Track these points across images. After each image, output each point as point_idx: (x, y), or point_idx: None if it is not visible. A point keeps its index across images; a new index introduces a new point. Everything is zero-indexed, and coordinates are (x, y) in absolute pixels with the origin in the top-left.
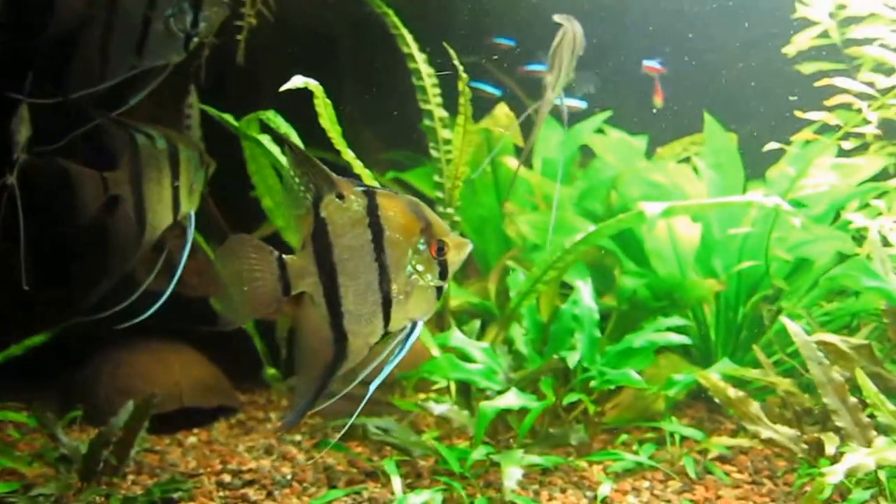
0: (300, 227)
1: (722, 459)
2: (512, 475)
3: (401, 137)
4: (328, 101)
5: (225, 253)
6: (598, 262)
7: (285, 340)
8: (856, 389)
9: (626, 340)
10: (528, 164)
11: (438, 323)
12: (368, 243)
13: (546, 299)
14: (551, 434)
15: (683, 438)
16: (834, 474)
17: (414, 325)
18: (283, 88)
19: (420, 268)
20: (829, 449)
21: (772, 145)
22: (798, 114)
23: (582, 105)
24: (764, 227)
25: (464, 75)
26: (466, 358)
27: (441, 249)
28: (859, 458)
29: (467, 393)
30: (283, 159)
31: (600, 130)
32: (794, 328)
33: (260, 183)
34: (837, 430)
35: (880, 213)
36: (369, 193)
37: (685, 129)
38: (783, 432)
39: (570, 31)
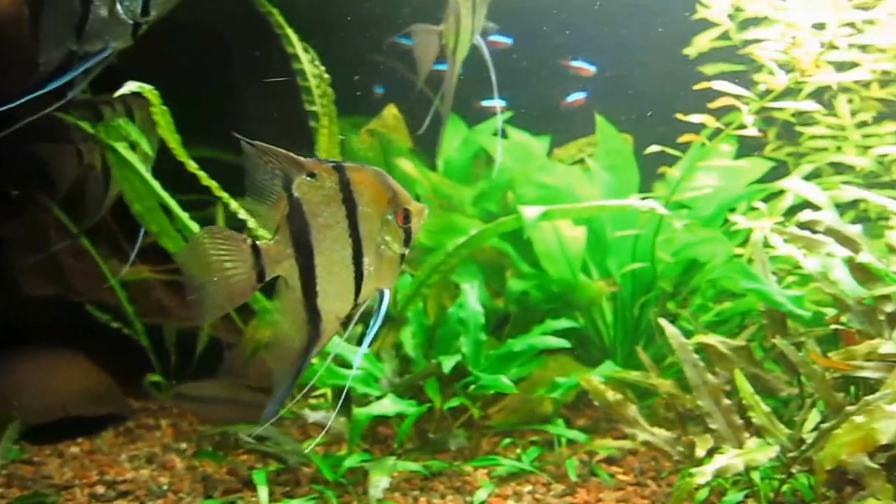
0: (272, 215)
1: (611, 461)
2: (378, 483)
3: (301, 137)
4: (165, 108)
5: (195, 245)
6: (495, 263)
7: (175, 346)
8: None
9: (508, 344)
10: (432, 165)
11: None
12: (343, 219)
13: (433, 302)
14: (431, 440)
15: (571, 441)
16: (702, 475)
17: (381, 294)
18: (117, 94)
19: (388, 238)
20: (699, 451)
21: (653, 148)
22: (680, 116)
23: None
24: (652, 229)
25: (325, 76)
26: (346, 364)
27: (407, 217)
28: (727, 459)
29: (347, 399)
30: (141, 167)
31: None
32: (671, 330)
33: (128, 190)
34: (712, 432)
35: (763, 216)
36: (339, 168)
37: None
38: (660, 435)
39: None
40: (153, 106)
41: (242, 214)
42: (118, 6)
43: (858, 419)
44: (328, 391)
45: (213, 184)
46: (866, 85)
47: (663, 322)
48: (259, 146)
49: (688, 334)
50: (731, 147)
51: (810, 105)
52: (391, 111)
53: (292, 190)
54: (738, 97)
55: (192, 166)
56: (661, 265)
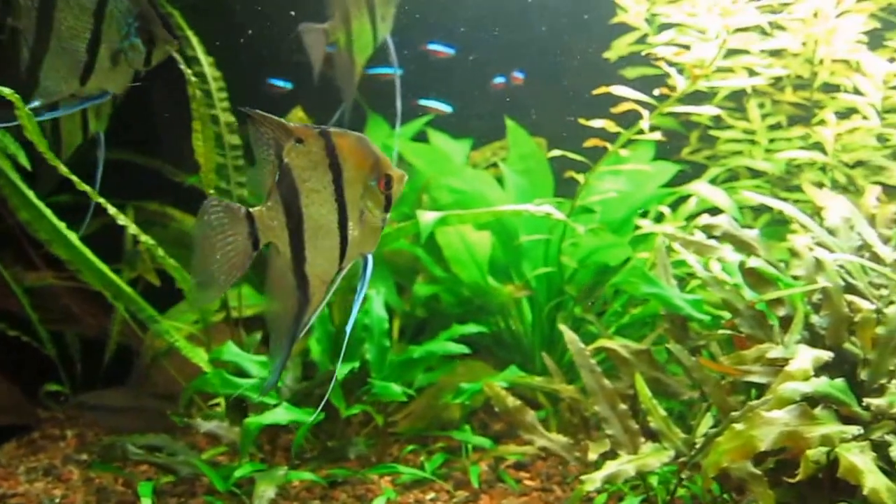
0: (264, 182)
1: (520, 466)
2: (263, 494)
3: None
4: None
5: (199, 220)
6: (411, 267)
7: (79, 353)
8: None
9: (408, 351)
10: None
11: (230, 333)
12: (330, 184)
13: (339, 308)
14: (330, 448)
15: (478, 447)
16: (592, 482)
17: (366, 259)
18: None
19: (370, 203)
20: (591, 456)
21: (554, 153)
22: (582, 121)
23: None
24: (557, 234)
25: (193, 79)
26: (241, 373)
27: (388, 183)
28: (618, 465)
29: (243, 408)
30: (14, 176)
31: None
32: (569, 336)
33: (12, 196)
34: (609, 437)
35: (667, 220)
36: (325, 134)
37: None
38: (557, 440)
39: None
40: (18, 110)
41: (122, 220)
42: (124, 56)
43: (739, 427)
44: (222, 400)
45: (87, 188)
46: (782, 88)
47: (562, 328)
48: (255, 114)
49: (595, 339)
50: (648, 150)
51: (710, 110)
52: (297, 113)
53: (282, 156)
54: (639, 102)
55: (64, 170)
56: (568, 270)
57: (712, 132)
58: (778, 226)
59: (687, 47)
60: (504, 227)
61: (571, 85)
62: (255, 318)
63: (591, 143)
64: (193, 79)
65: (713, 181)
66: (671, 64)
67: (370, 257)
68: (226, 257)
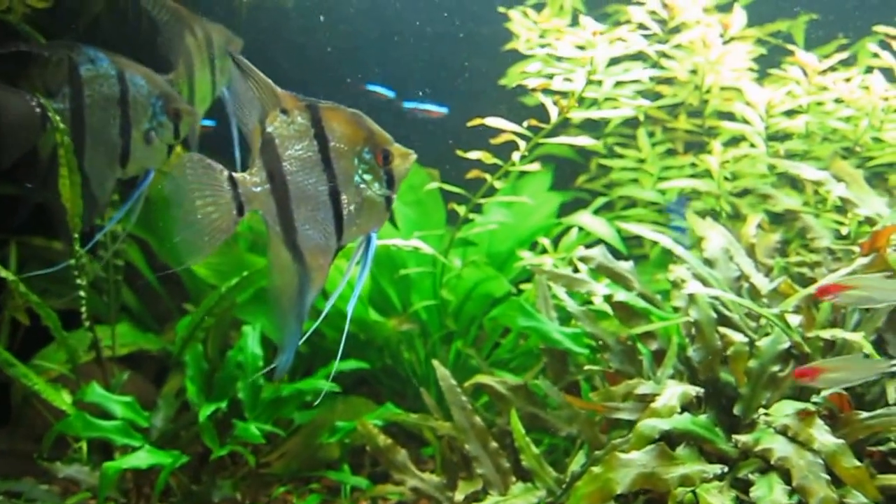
0: (253, 143)
1: None
2: None
3: None
4: None
5: (177, 176)
6: None
7: None
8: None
9: (278, 389)
10: None
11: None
12: (315, 154)
13: (214, 344)
14: (194, 492)
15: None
16: None
17: (368, 239)
18: None
19: (367, 177)
20: (458, 496)
21: (433, 185)
22: (460, 153)
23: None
24: (437, 269)
25: (61, 125)
26: (107, 414)
27: (386, 158)
28: None
29: (108, 451)
30: None
31: None
32: (441, 372)
33: None
34: (481, 476)
35: (547, 251)
36: (312, 107)
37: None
38: (429, 480)
39: (199, 32)
40: None
41: None
42: (153, 134)
43: (596, 469)
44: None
45: None
46: (676, 116)
47: (435, 363)
48: (246, 67)
49: (477, 372)
50: (544, 180)
51: (584, 140)
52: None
53: (265, 123)
54: (516, 133)
55: None
56: (453, 303)
57: (604, 161)
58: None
59: (550, 77)
60: (392, 260)
61: (466, 112)
62: (130, 357)
63: (472, 174)
64: (62, 125)
65: (612, 210)
66: (560, 94)
67: (374, 236)
68: (208, 218)
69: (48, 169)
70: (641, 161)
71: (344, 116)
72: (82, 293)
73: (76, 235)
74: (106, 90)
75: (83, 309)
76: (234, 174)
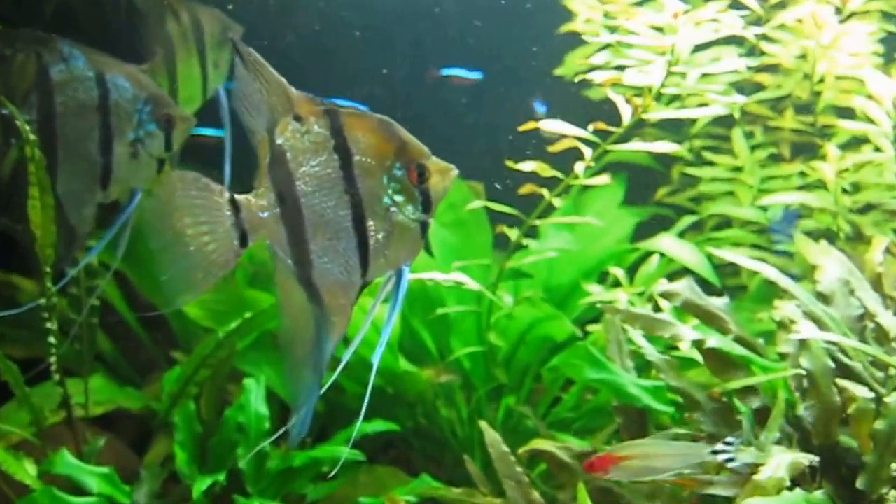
0: (260, 156)
1: None
2: None
3: None
4: None
5: (165, 198)
6: None
7: None
8: None
9: (289, 458)
10: None
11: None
12: (336, 171)
13: (208, 401)
14: None
15: None
16: None
17: (399, 273)
18: None
19: (398, 198)
20: None
21: (477, 203)
22: (510, 164)
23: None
24: (482, 307)
25: (31, 136)
26: (78, 488)
27: (422, 174)
28: None
29: None
30: None
31: None
32: (490, 436)
33: None
34: None
35: (621, 284)
36: (331, 113)
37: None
38: None
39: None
40: None
41: None
42: (140, 147)
43: None
44: None
45: None
46: (781, 111)
47: (482, 425)
48: (251, 60)
49: (532, 435)
50: (616, 194)
51: (666, 146)
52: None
53: (275, 133)
54: (578, 139)
55: None
56: (502, 349)
57: (689, 170)
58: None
59: (621, 69)
60: (426, 296)
61: (516, 113)
62: (106, 417)
63: (525, 189)
64: (32, 136)
65: (700, 231)
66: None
67: (406, 270)
68: (203, 250)
69: (11, 189)
70: (737, 169)
71: (370, 124)
72: (52, 340)
73: (47, 269)
74: (82, 95)
75: (52, 359)
76: (236, 196)
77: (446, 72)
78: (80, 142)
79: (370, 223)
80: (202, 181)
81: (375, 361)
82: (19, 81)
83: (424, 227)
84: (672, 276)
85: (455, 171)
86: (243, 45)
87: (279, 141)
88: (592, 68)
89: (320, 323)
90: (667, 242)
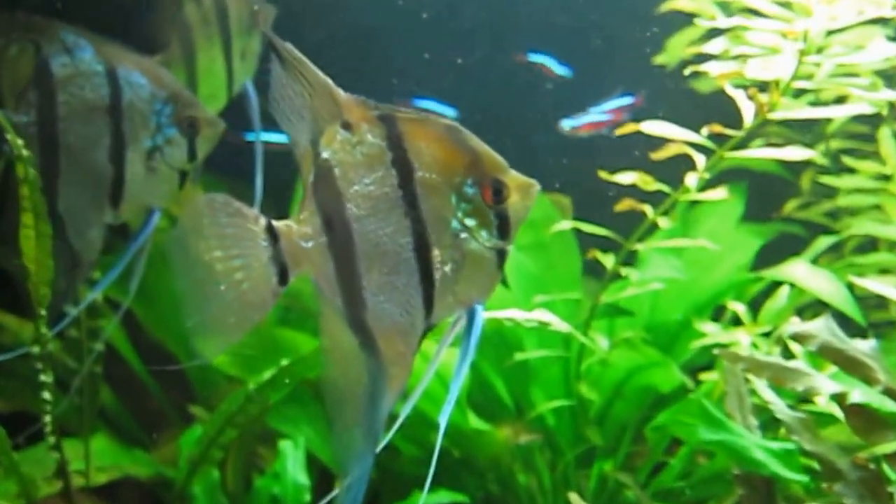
0: (302, 173)
1: None
2: None
3: None
4: None
5: (190, 227)
6: None
7: None
8: None
9: None
10: None
11: None
12: (394, 190)
13: (236, 470)
14: None
15: None
16: None
17: (472, 313)
18: None
19: (470, 222)
20: None
21: (562, 226)
22: (603, 175)
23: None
24: (571, 351)
25: (24, 152)
26: None
27: (498, 193)
28: None
29: None
30: None
31: None
32: None
33: None
34: None
35: (742, 323)
36: (387, 119)
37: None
38: None
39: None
40: None
41: None
42: (158, 156)
43: None
44: None
45: None
46: None
47: (572, 498)
48: (289, 55)
49: None
50: (734, 208)
51: (798, 152)
52: None
53: (320, 145)
54: (688, 143)
55: None
56: (595, 403)
57: (825, 178)
58: None
59: (742, 59)
60: (502, 338)
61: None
62: (111, 486)
63: (623, 205)
64: (25, 153)
65: (839, 254)
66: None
67: (479, 309)
68: (236, 290)
69: (0, 213)
70: (885, 178)
71: (434, 133)
72: (47, 395)
73: (42, 312)
74: (89, 94)
75: (46, 419)
76: (273, 222)
77: (533, 57)
78: (86, 150)
79: (436, 253)
80: (234, 206)
81: (443, 422)
82: (13, 77)
83: (502, 256)
84: (804, 312)
85: (537, 188)
86: (277, 38)
87: (325, 154)
88: (705, 57)
89: (375, 375)
90: (798, 270)
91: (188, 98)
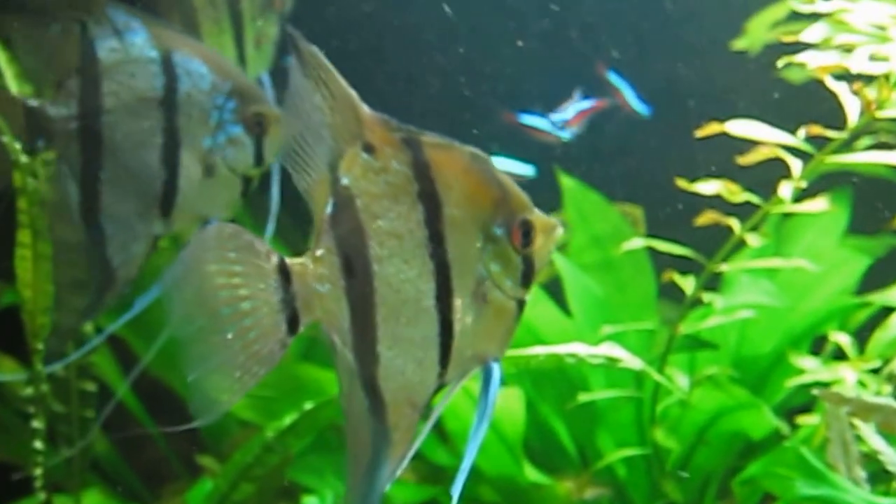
0: (316, 203)
1: None
2: None
3: None
4: None
5: (194, 263)
6: None
7: None
8: None
9: None
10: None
11: None
12: (420, 227)
13: None
14: None
15: None
16: None
17: (488, 370)
18: None
19: (495, 267)
20: None
21: (636, 242)
22: (682, 184)
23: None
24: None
25: (22, 158)
26: None
27: (527, 235)
28: None
29: None
30: None
31: None
32: None
33: None
34: None
35: (846, 357)
36: (412, 143)
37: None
38: None
39: None
40: None
41: None
42: (219, 158)
43: None
44: None
45: None
46: None
47: None
48: (316, 61)
49: None
50: (837, 220)
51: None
52: None
53: (339, 170)
54: (783, 146)
55: None
56: (674, 451)
57: None
58: None
59: (847, 50)
60: (564, 375)
61: (681, 107)
62: None
63: (705, 219)
64: (24, 159)
65: None
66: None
67: (496, 368)
68: (242, 339)
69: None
70: None
71: (462, 162)
72: (38, 444)
73: (38, 345)
74: (141, 83)
75: (37, 470)
76: (286, 260)
77: (613, 79)
78: (135, 149)
79: (458, 302)
80: (244, 238)
81: (456, 493)
82: (54, 62)
83: (521, 307)
84: None
85: (560, 230)
86: (304, 40)
87: (345, 181)
88: (799, 46)
89: (378, 443)
90: None
91: (255, 92)
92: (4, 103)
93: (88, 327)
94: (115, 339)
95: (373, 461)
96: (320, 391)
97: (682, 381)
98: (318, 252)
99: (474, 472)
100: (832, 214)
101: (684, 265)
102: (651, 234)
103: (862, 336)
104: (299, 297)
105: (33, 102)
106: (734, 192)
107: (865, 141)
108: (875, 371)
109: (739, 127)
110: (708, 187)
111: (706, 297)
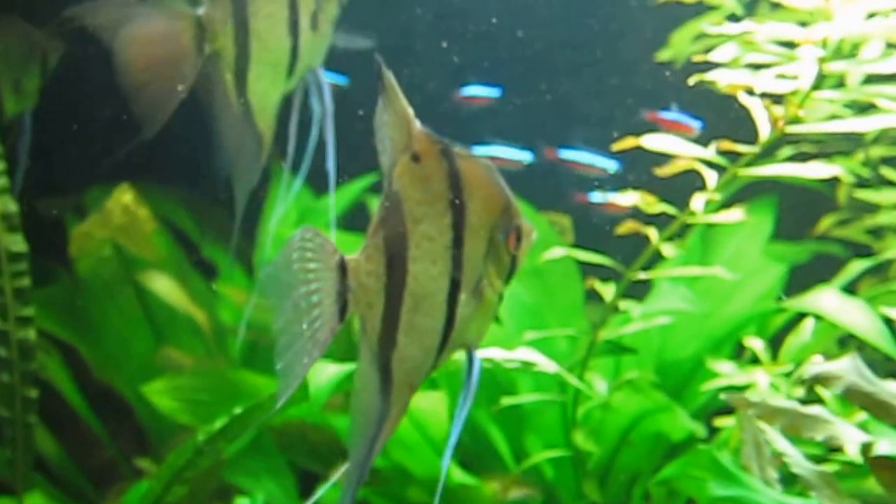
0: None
1: None
2: None
3: None
4: None
5: (285, 263)
6: (328, 445)
7: None
8: None
9: None
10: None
11: None
12: (447, 230)
13: None
14: None
15: None
16: None
17: (471, 357)
18: None
19: (492, 268)
20: None
21: (560, 250)
22: (597, 197)
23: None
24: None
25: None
26: None
27: (519, 238)
28: None
29: None
30: None
31: None
32: None
33: None
34: None
35: (759, 362)
36: (448, 154)
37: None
38: None
39: None
40: None
41: None
42: (319, 13)
43: None
44: None
45: None
46: None
47: None
48: (388, 83)
49: None
50: (760, 228)
51: (824, 169)
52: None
53: (392, 176)
54: (698, 160)
55: None
56: (594, 453)
57: (861, 193)
58: None
59: (755, 68)
60: (492, 379)
61: (606, 121)
62: None
63: (625, 228)
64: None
65: (882, 279)
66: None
67: (476, 356)
68: (311, 329)
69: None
70: None
71: (482, 173)
72: None
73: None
74: None
75: None
76: (345, 257)
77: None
78: (272, 28)
79: (462, 297)
80: (319, 238)
81: (444, 469)
82: None
83: (501, 301)
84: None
85: (535, 234)
86: (386, 69)
87: (396, 186)
88: (709, 65)
89: (383, 414)
90: (827, 299)
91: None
92: (178, 16)
93: (32, 334)
94: (61, 343)
95: (374, 433)
96: (254, 394)
97: (601, 385)
98: (369, 249)
99: (403, 474)
100: (756, 222)
101: (611, 273)
102: (580, 244)
103: (776, 341)
104: (351, 289)
105: (199, 12)
106: (650, 204)
107: (787, 151)
108: (787, 374)
109: (655, 141)
110: (625, 199)
111: (623, 304)
